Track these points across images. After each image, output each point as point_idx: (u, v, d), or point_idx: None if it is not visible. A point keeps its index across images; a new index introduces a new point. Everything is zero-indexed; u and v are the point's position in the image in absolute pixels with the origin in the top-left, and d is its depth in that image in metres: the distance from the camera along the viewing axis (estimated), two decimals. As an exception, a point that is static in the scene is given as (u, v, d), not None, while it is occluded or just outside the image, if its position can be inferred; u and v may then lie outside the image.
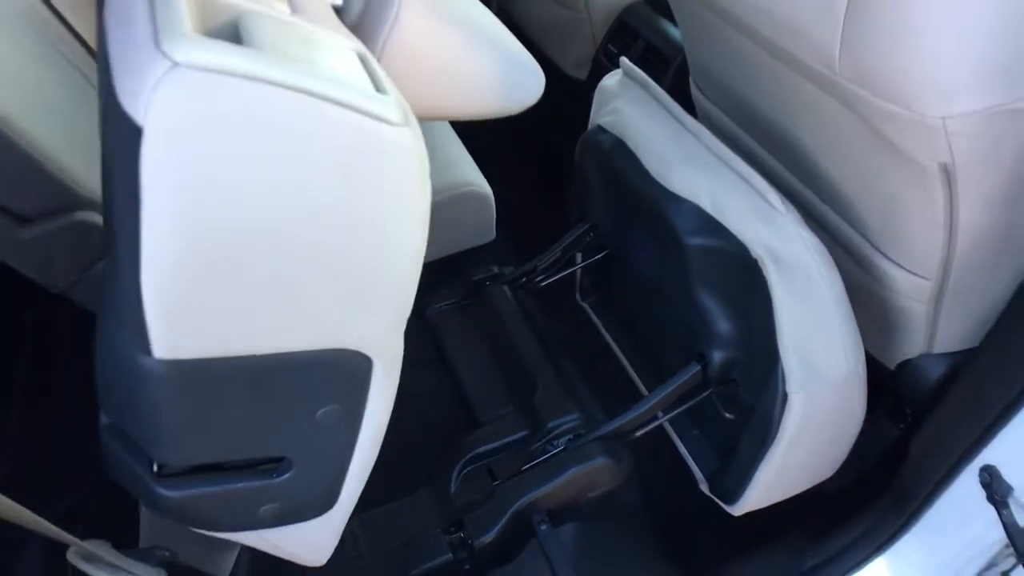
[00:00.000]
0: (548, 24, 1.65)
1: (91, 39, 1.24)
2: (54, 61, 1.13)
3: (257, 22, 0.43)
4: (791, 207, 0.84)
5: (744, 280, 0.86)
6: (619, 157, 1.03)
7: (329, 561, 0.96)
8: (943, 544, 0.94)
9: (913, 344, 0.99)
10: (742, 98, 1.02)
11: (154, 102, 0.38)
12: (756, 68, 0.91)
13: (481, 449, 1.03)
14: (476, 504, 0.97)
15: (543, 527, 0.96)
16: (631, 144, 1.01)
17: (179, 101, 0.38)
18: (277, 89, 0.40)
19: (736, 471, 0.97)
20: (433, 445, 1.06)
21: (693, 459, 1.11)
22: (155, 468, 0.56)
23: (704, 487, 1.06)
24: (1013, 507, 0.81)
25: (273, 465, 0.60)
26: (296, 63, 0.42)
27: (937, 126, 0.65)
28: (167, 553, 0.65)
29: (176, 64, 0.38)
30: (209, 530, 0.62)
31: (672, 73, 1.30)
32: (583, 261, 1.28)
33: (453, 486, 1.01)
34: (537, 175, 1.67)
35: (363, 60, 0.48)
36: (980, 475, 0.83)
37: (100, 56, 0.47)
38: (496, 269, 1.27)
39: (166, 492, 0.56)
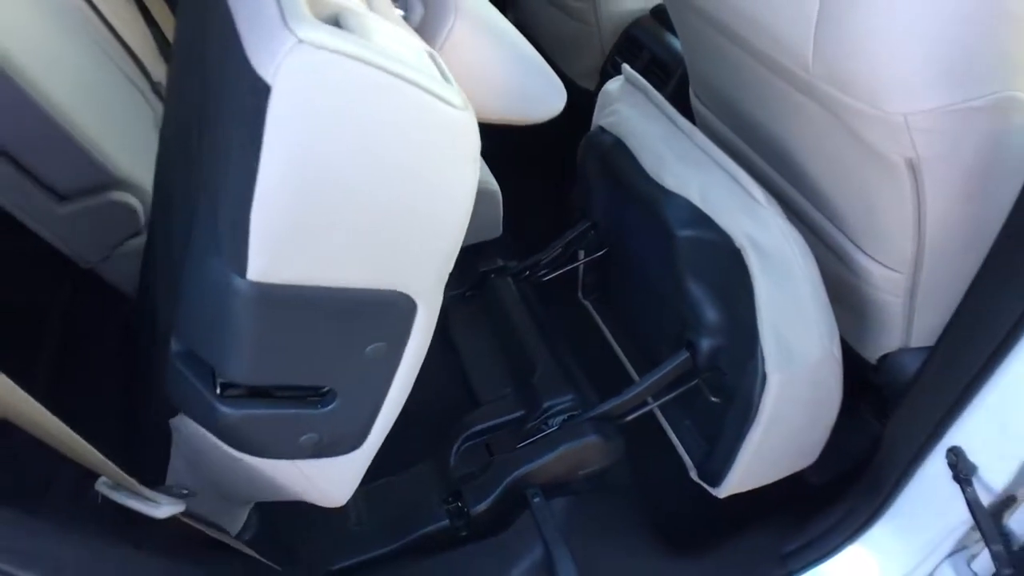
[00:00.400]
0: (560, 36, 1.73)
1: (126, 36, 1.34)
2: (97, 56, 1.22)
3: (354, 17, 0.53)
4: (772, 200, 0.90)
5: (728, 268, 0.92)
6: (618, 156, 1.09)
7: (331, 528, 1.02)
8: (916, 528, 0.98)
9: (891, 338, 1.04)
10: (734, 104, 1.09)
11: (282, 68, 0.48)
12: (745, 74, 0.97)
13: (480, 426, 1.09)
14: (473, 476, 1.03)
15: (536, 499, 1.02)
16: (629, 144, 1.07)
17: (301, 69, 0.48)
18: (373, 69, 0.50)
19: (720, 453, 1.02)
20: (436, 423, 1.12)
21: (684, 448, 1.16)
22: (218, 391, 0.64)
23: (694, 474, 1.11)
24: (977, 486, 0.86)
25: (319, 396, 0.67)
26: (386, 51, 0.52)
27: (899, 122, 0.71)
28: (185, 491, 0.72)
29: (300, 41, 0.48)
30: (254, 454, 0.69)
31: (674, 83, 1.37)
32: (585, 258, 1.34)
33: (452, 460, 1.07)
34: (544, 177, 1.74)
35: (431, 56, 0.58)
36: (947, 456, 0.88)
37: (209, 32, 0.57)
38: (501, 262, 1.33)
39: (226, 410, 0.64)
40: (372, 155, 0.53)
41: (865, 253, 0.95)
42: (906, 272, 0.92)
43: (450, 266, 0.65)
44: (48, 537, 0.61)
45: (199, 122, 0.62)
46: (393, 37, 0.54)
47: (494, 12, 0.79)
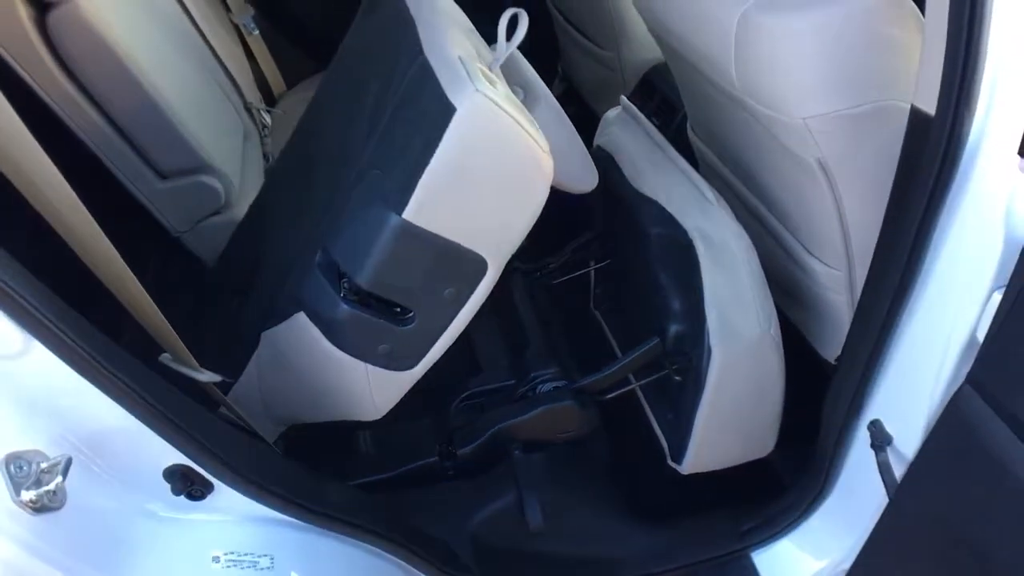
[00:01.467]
0: (594, 82, 1.97)
1: (228, 64, 1.65)
2: (203, 74, 1.53)
3: (501, 86, 0.87)
4: (722, 200, 1.07)
5: (686, 259, 1.09)
6: (610, 169, 1.29)
7: (341, 455, 1.21)
8: (852, 507, 1.09)
9: (843, 337, 1.16)
10: (713, 132, 1.28)
11: (464, 101, 0.81)
12: (714, 105, 1.16)
13: (477, 389, 1.27)
14: (464, 426, 1.20)
15: (516, 453, 1.18)
16: (617, 159, 1.27)
17: (474, 106, 0.81)
18: (508, 118, 0.83)
19: (680, 427, 1.16)
20: (442, 386, 1.30)
21: (664, 437, 1.29)
22: (341, 294, 0.92)
23: (670, 459, 1.24)
24: (890, 453, 0.97)
25: (404, 318, 0.94)
26: (516, 109, 0.85)
27: (801, 126, 0.88)
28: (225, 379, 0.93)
29: (476, 90, 0.81)
30: (341, 348, 0.95)
31: (678, 120, 1.57)
32: (593, 266, 1.52)
33: (450, 415, 1.25)
34: (562, 193, 1.94)
35: (532, 120, 0.89)
36: (868, 428, 0.99)
37: (406, 76, 0.92)
38: (516, 264, 1.53)
39: (343, 305, 0.92)
40: (496, 165, 0.86)
41: (809, 252, 1.10)
42: (843, 269, 1.06)
43: (514, 249, 0.95)
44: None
45: (372, 128, 0.98)
46: (518, 104, 0.89)
47: (564, 114, 1.11)
